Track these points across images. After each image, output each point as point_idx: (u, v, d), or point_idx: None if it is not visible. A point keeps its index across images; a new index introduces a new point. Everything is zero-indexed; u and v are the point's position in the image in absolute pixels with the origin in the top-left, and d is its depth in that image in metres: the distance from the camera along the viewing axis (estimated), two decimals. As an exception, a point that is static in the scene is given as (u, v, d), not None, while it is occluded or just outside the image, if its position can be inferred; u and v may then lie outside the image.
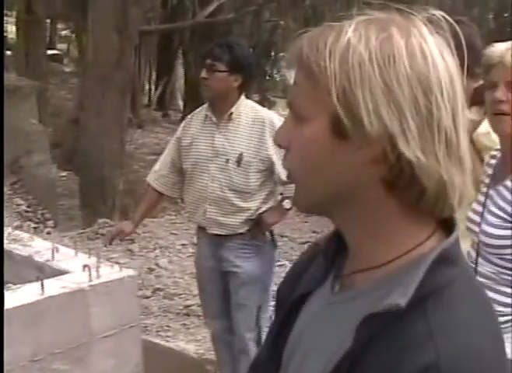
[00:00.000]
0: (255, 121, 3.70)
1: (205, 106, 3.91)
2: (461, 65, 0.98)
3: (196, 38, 16.57)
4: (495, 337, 0.98)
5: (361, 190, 0.98)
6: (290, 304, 1.18)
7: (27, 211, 8.40)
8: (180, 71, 23.71)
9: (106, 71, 10.21)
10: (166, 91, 23.97)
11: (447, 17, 0.98)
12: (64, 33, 31.43)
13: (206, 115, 3.85)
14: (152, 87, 25.46)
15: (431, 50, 0.94)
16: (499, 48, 2.31)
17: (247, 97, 3.90)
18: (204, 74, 3.72)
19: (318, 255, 1.18)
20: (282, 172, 3.57)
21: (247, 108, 3.78)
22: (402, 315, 0.93)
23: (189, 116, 4.07)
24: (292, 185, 1.07)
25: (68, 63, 28.10)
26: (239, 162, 3.69)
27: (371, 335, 0.95)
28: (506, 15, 21.41)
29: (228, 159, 3.72)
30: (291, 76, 1.03)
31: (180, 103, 25.26)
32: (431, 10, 0.98)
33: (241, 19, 17.43)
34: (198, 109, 4.00)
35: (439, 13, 0.98)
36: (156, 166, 4.07)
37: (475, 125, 2.65)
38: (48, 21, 21.22)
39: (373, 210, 1.00)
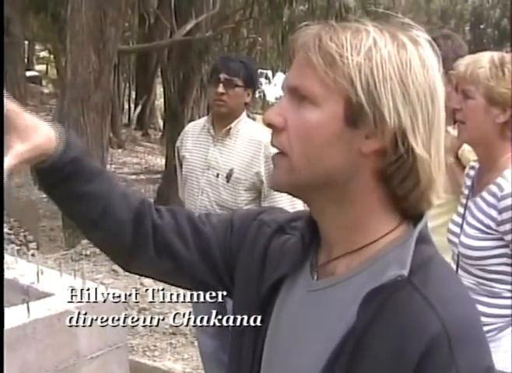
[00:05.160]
0: (251, 141, 3.67)
1: (206, 117, 3.94)
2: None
3: (174, 56, 16.54)
4: (475, 307, 1.11)
5: (352, 179, 1.06)
6: (267, 288, 1.19)
7: (9, 234, 8.35)
8: (159, 89, 23.72)
9: (85, 92, 10.20)
10: (145, 110, 23.97)
11: (427, 36, 1.09)
12: (42, 54, 31.44)
13: (204, 126, 3.85)
14: (132, 106, 25.49)
15: (434, 62, 1.07)
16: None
17: (248, 115, 3.90)
18: (221, 89, 3.69)
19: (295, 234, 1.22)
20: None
21: (246, 126, 3.76)
22: (395, 292, 1.01)
23: (188, 126, 4.10)
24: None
25: (46, 84, 28.10)
26: (228, 177, 3.67)
27: (374, 310, 1.01)
28: (482, 26, 21.64)
29: (218, 174, 3.70)
30: (297, 61, 1.08)
31: (160, 122, 25.28)
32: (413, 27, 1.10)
33: (219, 36, 17.46)
34: (198, 120, 4.06)
35: (421, 33, 1.08)
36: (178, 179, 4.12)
37: (461, 141, 2.65)
38: (26, 42, 21.17)
39: (359, 198, 1.07)
